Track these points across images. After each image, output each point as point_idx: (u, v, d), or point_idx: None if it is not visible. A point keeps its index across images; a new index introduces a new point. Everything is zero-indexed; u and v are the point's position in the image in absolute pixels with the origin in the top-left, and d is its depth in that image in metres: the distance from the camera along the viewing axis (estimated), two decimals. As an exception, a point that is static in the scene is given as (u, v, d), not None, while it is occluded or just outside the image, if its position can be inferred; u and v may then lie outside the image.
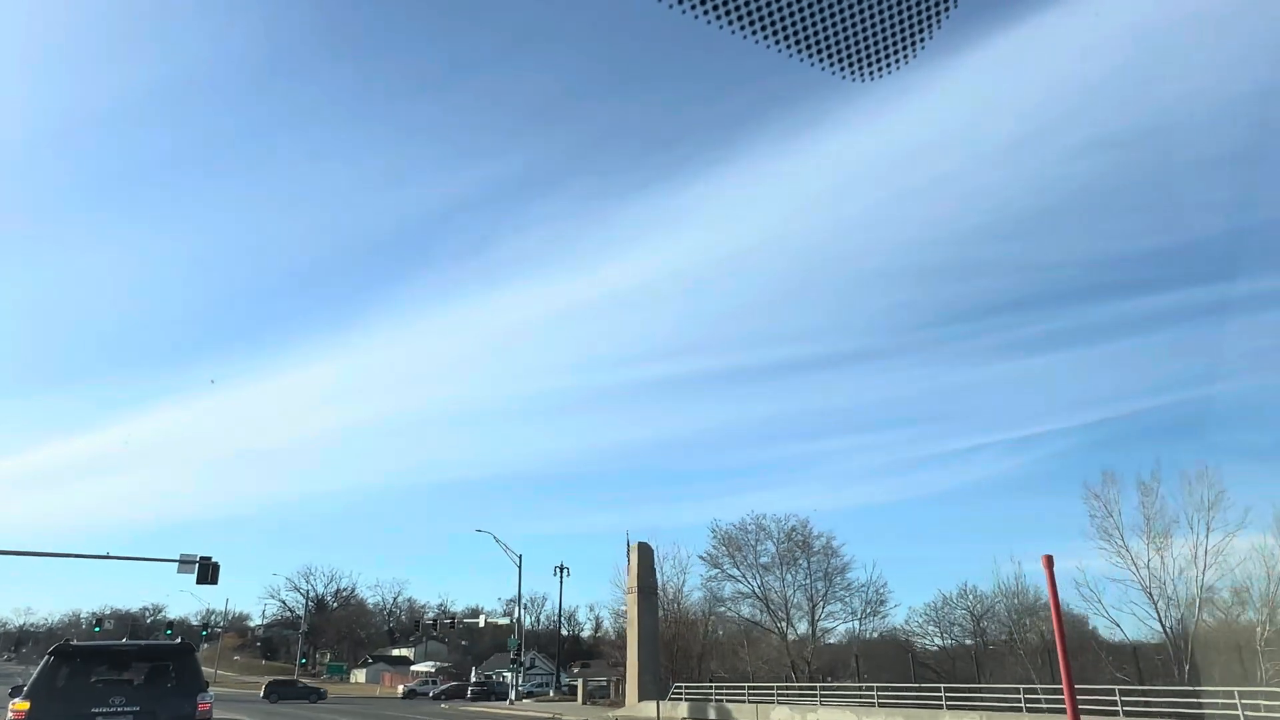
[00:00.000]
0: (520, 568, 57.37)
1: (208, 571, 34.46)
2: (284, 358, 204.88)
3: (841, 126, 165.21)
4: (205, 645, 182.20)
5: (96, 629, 68.23)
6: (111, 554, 32.52)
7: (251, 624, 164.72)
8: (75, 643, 14.41)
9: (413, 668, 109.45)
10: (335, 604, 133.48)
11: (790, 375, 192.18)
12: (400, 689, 76.46)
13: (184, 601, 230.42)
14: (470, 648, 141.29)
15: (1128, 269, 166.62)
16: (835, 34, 3.80)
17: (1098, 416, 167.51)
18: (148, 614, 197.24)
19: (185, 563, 34.22)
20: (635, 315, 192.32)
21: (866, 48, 3.91)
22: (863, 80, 4.02)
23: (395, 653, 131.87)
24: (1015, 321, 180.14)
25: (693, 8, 3.53)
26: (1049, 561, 9.51)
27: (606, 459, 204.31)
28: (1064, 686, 9.59)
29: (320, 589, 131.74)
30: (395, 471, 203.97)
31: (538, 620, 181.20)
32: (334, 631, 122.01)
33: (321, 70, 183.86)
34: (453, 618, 65.46)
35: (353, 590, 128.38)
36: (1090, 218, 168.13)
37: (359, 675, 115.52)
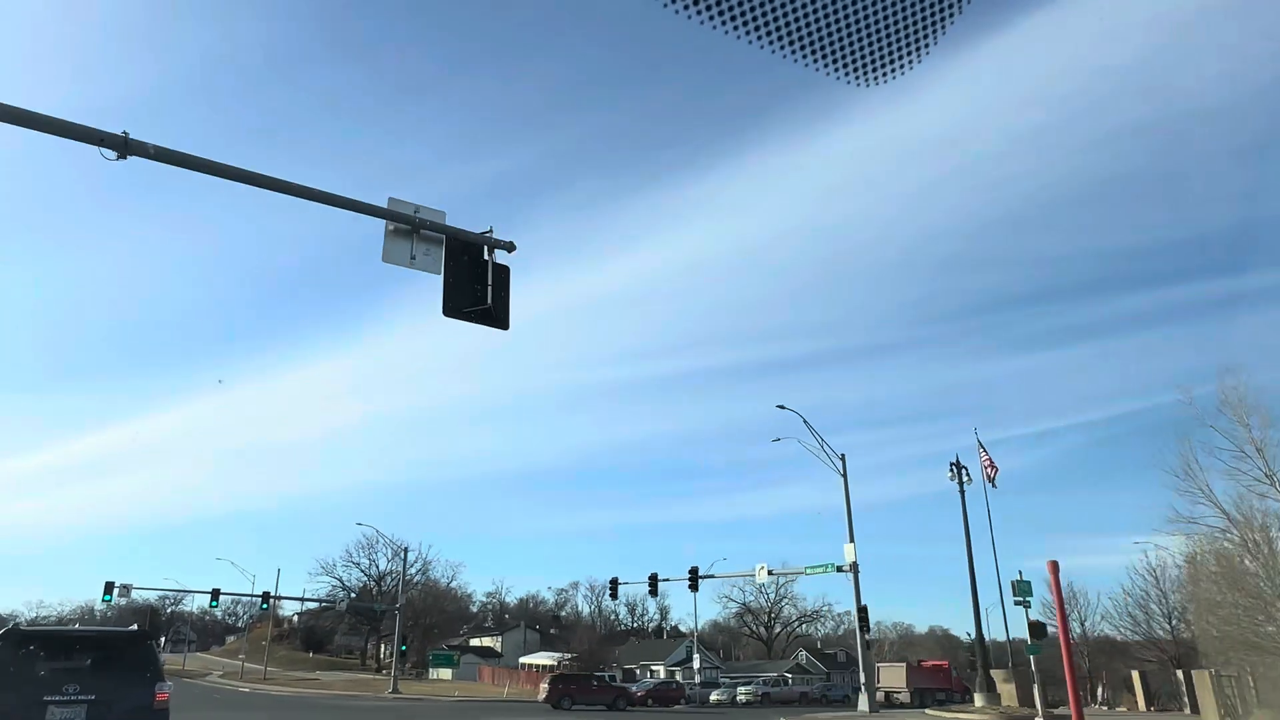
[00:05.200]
0: (845, 476, 31.88)
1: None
2: (296, 354, 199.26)
3: (856, 117, 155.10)
4: (233, 638, 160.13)
5: (106, 598, 44.34)
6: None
7: (283, 613, 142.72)
8: (26, 627, 13.97)
9: (524, 660, 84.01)
10: (395, 583, 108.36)
11: (806, 369, 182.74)
12: (542, 691, 51.01)
13: (219, 580, 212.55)
14: (561, 637, 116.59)
15: (1145, 261, 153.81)
16: (839, 36, 3.61)
17: (1117, 411, 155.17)
18: (168, 603, 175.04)
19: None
20: (646, 311, 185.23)
21: (871, 51, 3.71)
22: (869, 84, 3.85)
23: (476, 643, 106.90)
24: (1032, 315, 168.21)
25: (691, 9, 3.41)
26: (1054, 567, 9.41)
27: (615, 454, 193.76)
28: (1069, 687, 9.66)
29: (383, 565, 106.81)
30: (410, 466, 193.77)
31: (598, 610, 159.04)
32: (407, 616, 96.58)
33: (325, 69, 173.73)
34: (691, 575, 39.49)
35: (425, 567, 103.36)
36: (1107, 209, 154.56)
37: (442, 670, 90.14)
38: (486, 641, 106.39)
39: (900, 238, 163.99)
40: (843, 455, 33.86)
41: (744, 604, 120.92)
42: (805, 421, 33.56)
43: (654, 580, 41.20)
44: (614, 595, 45.80)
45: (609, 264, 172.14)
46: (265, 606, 57.25)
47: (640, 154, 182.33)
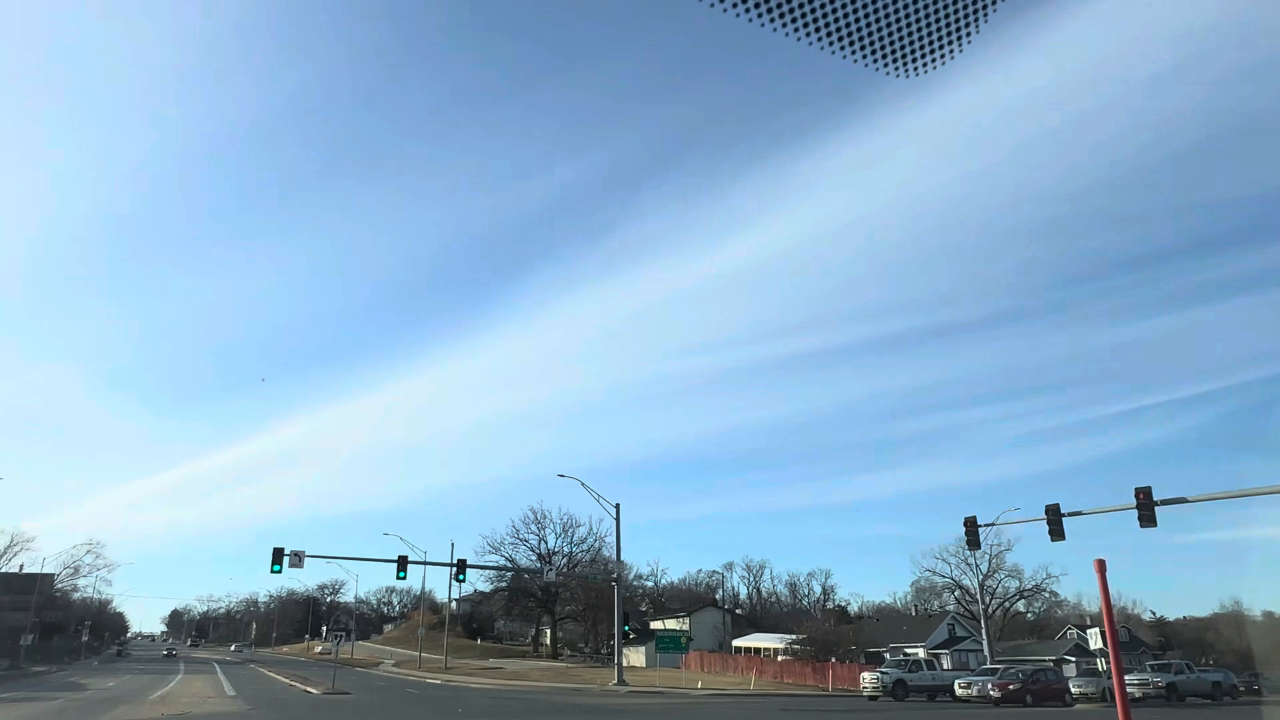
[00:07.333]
0: None
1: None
2: (416, 358, 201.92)
3: (966, 74, 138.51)
4: (390, 627, 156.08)
5: (275, 568, 34.32)
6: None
7: (440, 599, 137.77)
8: None
9: (740, 643, 71.31)
10: (564, 561, 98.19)
11: (925, 343, 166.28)
12: (868, 679, 37.99)
13: (373, 576, 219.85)
14: (750, 619, 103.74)
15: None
16: (879, 28, 3.49)
17: (1261, 374, 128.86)
18: (326, 592, 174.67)
19: None
20: (757, 292, 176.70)
21: (910, 41, 3.57)
22: (910, 75, 3.69)
23: (658, 625, 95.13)
24: (1173, 271, 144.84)
25: (750, 12, 3.40)
26: (1101, 566, 8.87)
27: (734, 440, 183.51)
28: (1115, 684, 8.58)
29: (552, 542, 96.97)
30: (524, 463, 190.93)
31: (756, 592, 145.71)
32: (593, 596, 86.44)
33: (417, 79, 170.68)
34: (1141, 499, 24.64)
35: (599, 545, 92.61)
36: (1247, 150, 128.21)
37: (633, 655, 78.93)
38: (670, 624, 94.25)
39: (1020, 198, 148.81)
40: None
41: (953, 579, 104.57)
42: None
43: (1058, 514, 27.14)
44: (973, 545, 31.99)
45: (716, 248, 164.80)
46: (462, 578, 46.51)
47: (740, 135, 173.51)
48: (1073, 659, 61.44)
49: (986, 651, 49.39)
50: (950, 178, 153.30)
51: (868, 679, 38.55)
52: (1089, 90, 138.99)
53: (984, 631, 50.33)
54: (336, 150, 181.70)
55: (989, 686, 33.68)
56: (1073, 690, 36.44)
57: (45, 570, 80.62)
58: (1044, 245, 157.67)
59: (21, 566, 79.51)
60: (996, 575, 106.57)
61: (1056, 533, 29.81)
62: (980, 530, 35.89)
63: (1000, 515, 37.43)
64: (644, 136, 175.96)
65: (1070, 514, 26.91)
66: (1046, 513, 26.92)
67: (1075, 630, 72.27)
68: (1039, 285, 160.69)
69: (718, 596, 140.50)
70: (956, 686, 36.25)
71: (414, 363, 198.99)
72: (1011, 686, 33.15)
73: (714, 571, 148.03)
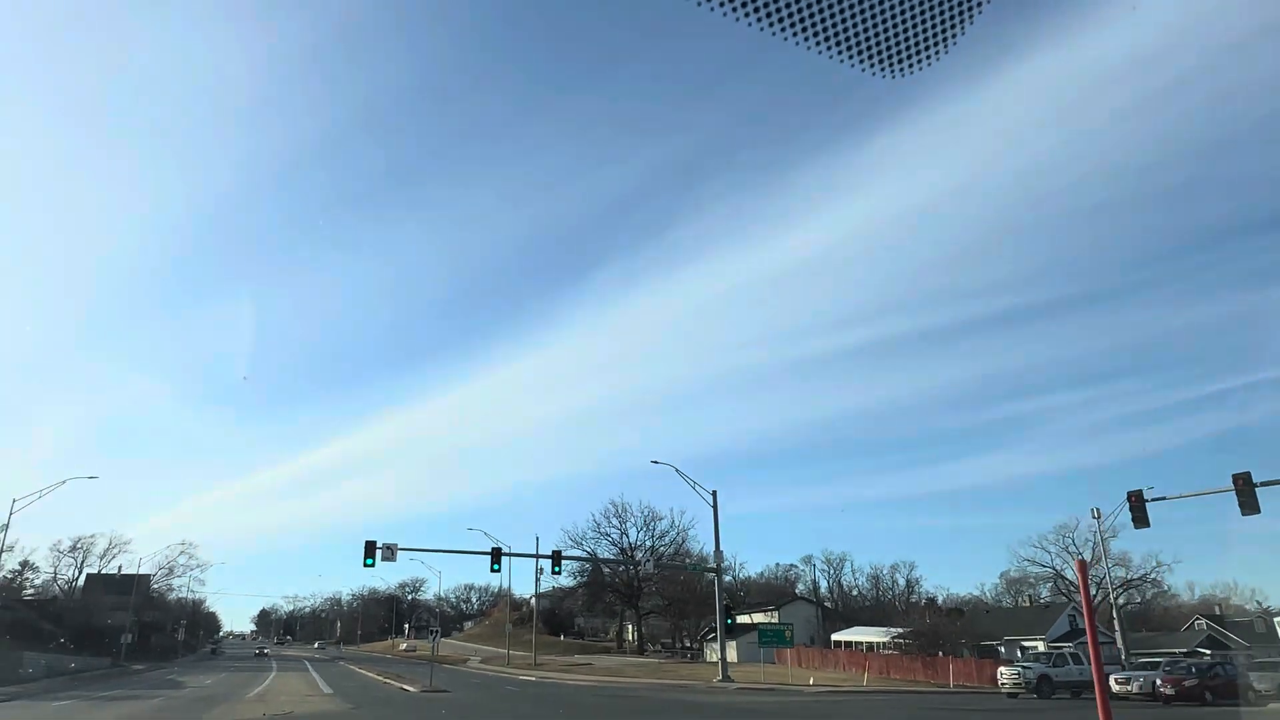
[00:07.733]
0: None
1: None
2: (486, 359, 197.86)
3: (1040, 44, 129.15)
4: (470, 624, 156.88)
5: (369, 561, 33.55)
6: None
7: (520, 596, 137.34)
8: None
9: (839, 638, 68.04)
10: (650, 556, 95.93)
11: (1005, 328, 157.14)
12: (1006, 674, 35.04)
13: (452, 574, 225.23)
14: (839, 613, 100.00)
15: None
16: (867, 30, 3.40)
17: None
18: (407, 590, 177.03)
19: None
20: (824, 281, 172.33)
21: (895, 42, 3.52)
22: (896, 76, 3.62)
23: (745, 619, 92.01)
24: (1264, 246, 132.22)
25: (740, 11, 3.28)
26: (1082, 566, 9.27)
27: (804, 432, 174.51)
28: (1096, 687, 8.12)
29: (634, 536, 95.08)
30: (599, 459, 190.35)
31: (837, 585, 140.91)
32: (677, 590, 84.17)
33: (472, 90, 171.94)
34: None
35: (682, 537, 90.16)
36: None
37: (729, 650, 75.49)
38: (757, 618, 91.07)
39: (1105, 171, 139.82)
40: None
41: (1053, 568, 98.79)
42: None
43: (1249, 483, 23.50)
44: (1140, 523, 28.56)
45: (781, 238, 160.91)
46: (558, 570, 44.92)
47: (802, 122, 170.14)
48: (1206, 651, 56.55)
49: (1120, 645, 45.26)
50: (1037, 151, 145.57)
51: (1006, 674, 35.19)
52: (1172, 58, 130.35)
53: (1116, 623, 46.37)
54: (417, 156, 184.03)
55: (1156, 682, 30.02)
56: (1260, 686, 32.35)
57: (142, 571, 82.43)
58: (1136, 219, 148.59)
59: (120, 568, 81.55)
60: (1102, 564, 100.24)
61: (1249, 505, 25.92)
62: (1101, 512, 32.36)
63: (1149, 490, 33.70)
64: (699, 131, 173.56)
65: (1266, 483, 23.20)
66: (1234, 481, 23.34)
67: (1205, 620, 66.68)
68: (1128, 261, 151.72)
69: (798, 590, 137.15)
70: (1112, 682, 32.67)
71: (481, 365, 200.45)
72: (1187, 682, 29.36)
73: (791, 565, 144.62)
